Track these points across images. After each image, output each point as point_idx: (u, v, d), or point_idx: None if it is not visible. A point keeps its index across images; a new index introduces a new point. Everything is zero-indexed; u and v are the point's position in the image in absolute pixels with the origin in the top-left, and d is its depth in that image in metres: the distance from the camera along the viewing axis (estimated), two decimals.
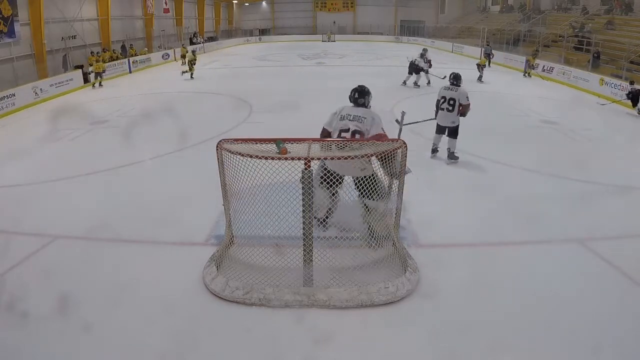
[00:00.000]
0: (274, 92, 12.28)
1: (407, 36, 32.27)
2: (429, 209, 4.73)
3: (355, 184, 3.70)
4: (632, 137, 8.02)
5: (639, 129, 8.90)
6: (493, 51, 18.19)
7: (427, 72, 12.12)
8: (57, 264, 3.86)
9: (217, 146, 3.45)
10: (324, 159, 3.61)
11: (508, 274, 3.66)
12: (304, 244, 3.28)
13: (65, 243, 4.17)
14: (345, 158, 3.20)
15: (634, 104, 10.15)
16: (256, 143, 3.47)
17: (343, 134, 3.86)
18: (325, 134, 4.04)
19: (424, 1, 34.59)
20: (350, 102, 4.07)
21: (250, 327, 3.03)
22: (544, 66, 15.39)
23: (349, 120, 3.90)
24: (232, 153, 3.31)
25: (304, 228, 3.23)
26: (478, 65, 14.54)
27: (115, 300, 3.31)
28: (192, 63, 14.97)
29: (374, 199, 3.61)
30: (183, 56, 18.86)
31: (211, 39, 29.29)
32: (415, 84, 12.44)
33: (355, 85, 4.12)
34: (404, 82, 12.58)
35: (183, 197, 5.08)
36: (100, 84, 13.98)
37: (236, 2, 35.62)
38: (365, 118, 3.87)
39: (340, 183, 3.75)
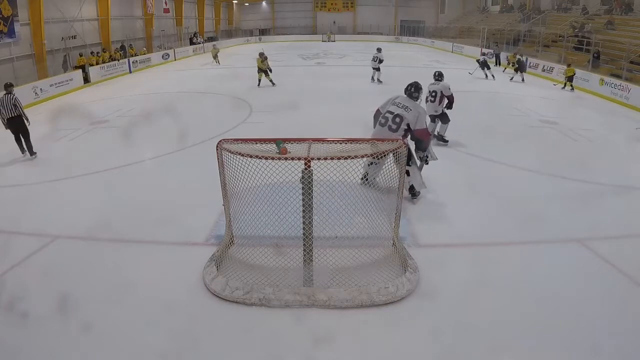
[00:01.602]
0: (274, 92, 12.28)
1: (407, 36, 32.28)
2: (429, 209, 4.73)
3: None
4: (632, 137, 8.02)
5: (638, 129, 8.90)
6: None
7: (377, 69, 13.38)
8: (57, 264, 3.86)
9: (217, 146, 3.45)
10: (326, 158, 3.61)
11: (508, 274, 3.66)
12: (304, 244, 3.28)
13: (65, 243, 4.17)
14: (346, 159, 3.20)
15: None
16: (256, 143, 3.47)
17: (387, 115, 4.66)
18: (377, 113, 4.94)
19: (424, 1, 34.62)
20: (405, 94, 4.80)
21: (250, 327, 3.03)
22: (544, 66, 15.39)
23: (398, 107, 4.64)
24: (232, 153, 3.32)
25: (304, 228, 3.23)
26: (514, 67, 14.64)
27: (115, 300, 3.31)
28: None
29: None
30: (215, 56, 19.85)
31: (211, 39, 29.27)
32: (378, 80, 13.41)
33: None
34: (372, 78, 13.61)
35: (183, 197, 5.08)
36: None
37: (236, 2, 35.62)
38: (411, 110, 4.59)
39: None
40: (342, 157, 3.21)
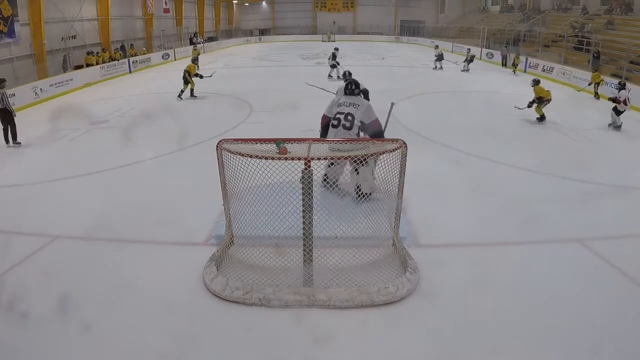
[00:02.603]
0: (274, 92, 12.27)
1: (407, 36, 32.26)
2: (429, 209, 4.73)
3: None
4: (632, 137, 8.02)
5: (638, 129, 8.90)
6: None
7: (334, 66, 14.09)
8: (57, 264, 3.86)
9: (217, 146, 3.45)
10: (326, 158, 3.62)
11: (508, 274, 3.66)
12: (304, 244, 3.28)
13: (65, 243, 4.17)
14: (346, 158, 3.21)
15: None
16: (256, 143, 3.47)
17: (338, 116, 4.62)
18: (326, 120, 4.80)
19: (424, 1, 34.59)
20: (346, 93, 4.83)
21: (250, 327, 3.03)
22: (544, 66, 15.39)
23: (346, 106, 4.64)
24: (232, 153, 3.32)
25: (304, 228, 3.23)
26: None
27: (115, 300, 3.31)
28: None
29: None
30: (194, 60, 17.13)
31: (211, 39, 29.27)
32: (337, 76, 13.70)
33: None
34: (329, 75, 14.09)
35: (183, 197, 5.08)
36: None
37: (236, 2, 35.62)
38: (359, 105, 4.64)
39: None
40: (342, 157, 3.21)
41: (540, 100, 8.54)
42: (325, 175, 4.34)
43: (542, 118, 8.64)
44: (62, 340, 2.93)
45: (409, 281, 3.38)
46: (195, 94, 11.50)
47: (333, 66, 14.17)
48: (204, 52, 24.93)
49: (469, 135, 7.59)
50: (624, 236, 4.26)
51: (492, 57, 19.53)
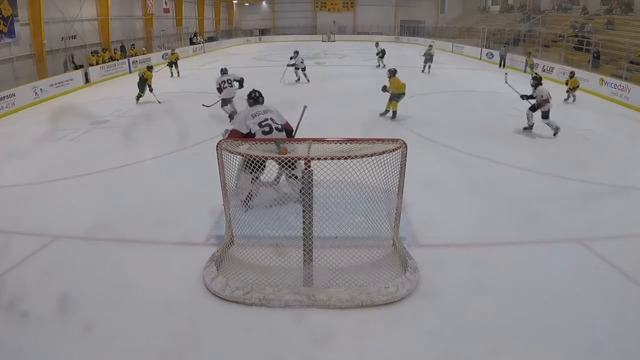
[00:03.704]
0: (273, 92, 12.23)
1: (407, 36, 32.25)
2: (429, 209, 4.73)
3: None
4: (632, 137, 8.02)
5: (638, 129, 8.90)
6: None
7: (297, 68, 13.92)
8: (57, 264, 3.86)
9: (217, 146, 3.45)
10: (326, 158, 3.62)
11: (508, 274, 3.66)
12: (304, 244, 3.28)
13: (65, 243, 4.18)
14: (346, 159, 3.20)
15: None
16: (256, 143, 3.47)
17: (264, 124, 4.48)
18: (239, 135, 4.46)
19: (424, 1, 34.57)
20: (253, 103, 4.77)
21: (250, 327, 3.03)
22: (544, 66, 15.39)
23: (263, 114, 4.56)
24: (232, 153, 3.32)
25: (304, 228, 3.23)
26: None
27: (116, 300, 3.31)
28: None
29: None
30: (172, 64, 15.85)
31: (211, 39, 29.27)
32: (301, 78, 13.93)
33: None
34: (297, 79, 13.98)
35: (183, 197, 5.08)
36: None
37: (236, 2, 35.61)
38: (271, 110, 4.65)
39: (262, 169, 3.86)
40: (342, 157, 3.21)
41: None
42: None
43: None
44: (62, 340, 2.93)
45: (409, 281, 3.38)
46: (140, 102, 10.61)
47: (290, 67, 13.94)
48: (204, 52, 24.95)
49: (469, 135, 7.59)
50: (624, 236, 4.26)
51: (492, 57, 19.51)
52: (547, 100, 7.48)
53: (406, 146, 3.44)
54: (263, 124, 4.48)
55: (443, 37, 27.72)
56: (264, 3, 37.30)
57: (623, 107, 10.73)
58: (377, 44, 17.83)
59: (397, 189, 3.62)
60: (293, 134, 4.79)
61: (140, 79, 10.67)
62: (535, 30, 19.86)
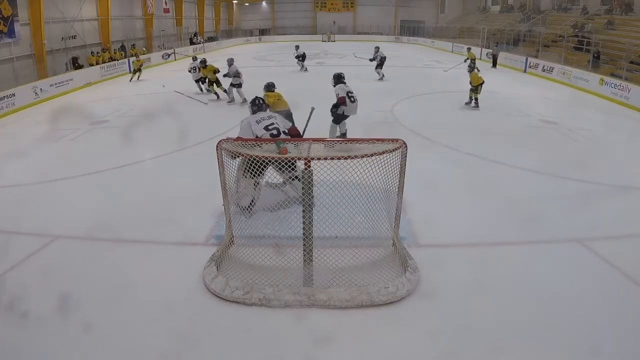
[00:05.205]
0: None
1: (407, 36, 32.26)
2: (429, 209, 4.73)
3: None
4: (632, 137, 8.02)
5: (638, 129, 8.90)
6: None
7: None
8: (57, 264, 3.86)
9: (217, 146, 3.45)
10: (326, 158, 3.62)
11: (508, 274, 3.66)
12: (304, 244, 3.28)
13: (65, 243, 4.18)
14: (346, 159, 3.20)
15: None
16: (256, 143, 3.47)
17: (270, 128, 4.43)
18: (239, 140, 4.38)
19: (424, 1, 34.57)
20: (256, 111, 4.69)
21: (250, 327, 3.03)
22: (544, 66, 15.39)
23: (268, 119, 4.50)
24: (232, 153, 3.31)
25: (304, 228, 3.23)
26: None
27: (115, 300, 3.31)
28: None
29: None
30: (136, 70, 15.38)
31: (211, 39, 29.26)
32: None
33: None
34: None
35: (183, 197, 5.08)
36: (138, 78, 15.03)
37: (236, 2, 35.60)
38: (274, 116, 4.59)
39: (262, 173, 3.90)
40: (342, 157, 3.21)
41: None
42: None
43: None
44: (62, 340, 2.93)
45: (409, 281, 3.38)
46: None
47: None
48: (204, 52, 24.93)
49: (469, 135, 7.59)
50: (624, 236, 4.26)
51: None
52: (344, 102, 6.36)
53: (406, 146, 3.44)
54: (270, 127, 4.47)
55: (443, 37, 27.73)
56: (264, 3, 37.30)
57: (623, 107, 10.73)
58: (377, 49, 14.08)
59: (397, 189, 3.62)
60: (302, 135, 4.80)
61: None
62: (535, 30, 19.86)
